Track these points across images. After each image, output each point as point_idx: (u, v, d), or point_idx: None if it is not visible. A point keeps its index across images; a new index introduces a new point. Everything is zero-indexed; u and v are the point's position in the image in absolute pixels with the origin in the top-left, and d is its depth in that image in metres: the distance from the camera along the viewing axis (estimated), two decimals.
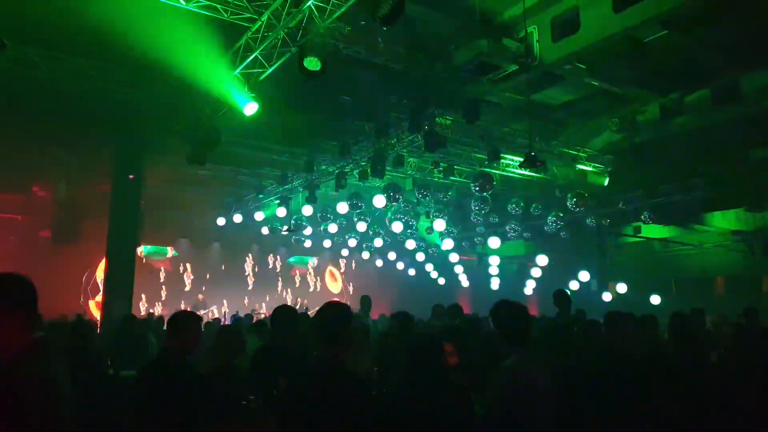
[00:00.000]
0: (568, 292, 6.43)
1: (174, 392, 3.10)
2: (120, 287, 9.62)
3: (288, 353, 4.04)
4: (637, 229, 15.86)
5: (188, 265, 17.21)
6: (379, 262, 19.08)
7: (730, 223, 14.50)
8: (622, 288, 15.12)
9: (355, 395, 2.48)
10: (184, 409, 3.09)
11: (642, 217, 12.03)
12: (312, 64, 6.29)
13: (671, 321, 4.52)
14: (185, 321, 3.39)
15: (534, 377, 2.86)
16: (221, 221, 16.11)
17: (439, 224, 14.14)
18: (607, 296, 15.19)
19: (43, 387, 2.00)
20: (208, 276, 17.45)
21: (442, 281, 19.26)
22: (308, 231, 15.22)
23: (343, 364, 2.56)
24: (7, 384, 1.95)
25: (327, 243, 17.33)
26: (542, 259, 16.24)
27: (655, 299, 14.12)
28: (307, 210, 12.78)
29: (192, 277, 17.32)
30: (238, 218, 15.30)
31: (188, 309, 14.16)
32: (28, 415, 1.96)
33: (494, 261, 18.45)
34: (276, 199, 13.55)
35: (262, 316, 12.55)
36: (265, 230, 15.42)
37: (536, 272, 17.83)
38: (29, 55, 7.44)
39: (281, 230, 15.16)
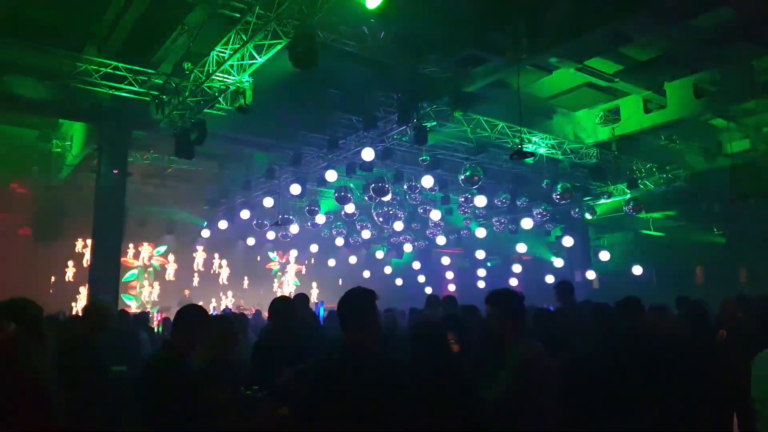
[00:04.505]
0: (572, 283, 6.17)
1: (177, 388, 3.06)
2: (106, 284, 9.47)
3: (285, 344, 4.05)
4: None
5: (172, 260, 17.09)
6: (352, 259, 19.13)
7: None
8: (605, 256, 15.28)
9: (384, 381, 2.46)
10: (188, 405, 3.06)
11: (625, 208, 12.27)
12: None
13: (678, 305, 4.56)
14: (193, 317, 3.32)
15: (546, 363, 2.94)
16: (206, 233, 16.08)
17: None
18: (591, 274, 15.46)
19: (28, 380, 1.92)
20: (194, 271, 17.37)
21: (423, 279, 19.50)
22: (295, 229, 15.13)
23: (368, 349, 2.54)
24: None
25: (314, 247, 17.50)
26: (522, 247, 16.37)
27: (637, 270, 14.36)
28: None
29: (178, 272, 17.20)
30: (223, 224, 15.22)
31: (176, 305, 14.04)
32: (18, 410, 1.88)
33: (480, 254, 18.62)
34: (264, 193, 13.47)
35: (246, 312, 12.51)
36: (245, 213, 14.58)
37: (517, 268, 18.21)
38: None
39: (268, 226, 15.05)
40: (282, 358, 3.69)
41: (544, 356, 3.01)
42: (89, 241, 12.48)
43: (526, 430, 2.80)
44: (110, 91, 8.05)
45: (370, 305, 2.62)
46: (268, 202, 12.97)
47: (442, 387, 2.64)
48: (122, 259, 14.51)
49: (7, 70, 7.91)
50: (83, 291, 14.59)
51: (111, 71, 7.93)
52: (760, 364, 2.73)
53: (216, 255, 17.90)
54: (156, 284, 16.75)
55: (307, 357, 3.74)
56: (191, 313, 3.33)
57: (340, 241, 17.21)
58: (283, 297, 4.49)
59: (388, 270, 19.58)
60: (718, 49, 8.13)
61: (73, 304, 14.51)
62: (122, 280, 15.52)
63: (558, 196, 11.84)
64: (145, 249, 16.76)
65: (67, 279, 14.99)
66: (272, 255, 19.37)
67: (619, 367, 3.55)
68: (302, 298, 5.55)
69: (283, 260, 19.67)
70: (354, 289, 2.71)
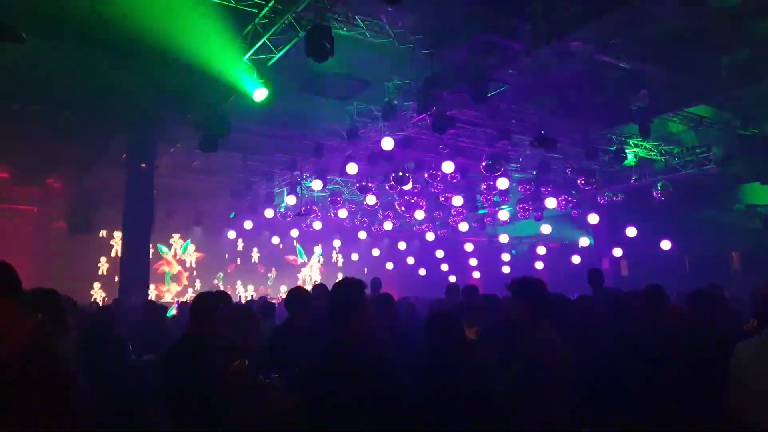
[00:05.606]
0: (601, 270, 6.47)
1: (195, 377, 3.14)
2: (136, 275, 9.77)
3: (301, 333, 4.13)
4: None
5: (193, 250, 17.53)
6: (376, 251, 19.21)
7: (746, 196, 14.25)
8: (632, 232, 14.80)
9: (376, 374, 2.39)
10: (208, 392, 3.14)
11: (654, 191, 11.98)
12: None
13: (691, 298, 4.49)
14: (209, 304, 3.40)
15: (557, 347, 2.93)
16: (232, 235, 16.72)
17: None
18: (618, 251, 15.14)
19: (54, 370, 1.97)
20: (222, 262, 17.76)
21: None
22: (318, 225, 15.37)
23: (358, 343, 2.43)
24: (20, 370, 1.93)
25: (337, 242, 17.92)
26: (546, 228, 16.12)
27: (666, 244, 13.96)
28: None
29: (207, 263, 17.60)
30: (248, 225, 15.50)
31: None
32: (43, 398, 1.94)
33: (504, 239, 18.40)
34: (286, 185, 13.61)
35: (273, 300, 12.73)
36: (270, 212, 14.76)
37: (542, 250, 17.89)
38: (40, 47, 7.48)
39: (291, 217, 15.23)
40: (298, 347, 3.77)
41: (558, 342, 3.00)
42: (116, 234, 12.91)
43: (538, 416, 2.79)
44: None
45: (358, 298, 2.50)
46: (291, 199, 13.10)
47: (455, 374, 2.66)
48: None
49: None
50: (96, 285, 15.23)
51: None
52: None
53: (244, 246, 18.25)
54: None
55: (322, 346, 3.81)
56: (208, 301, 3.41)
57: (363, 235, 17.35)
58: (298, 287, 4.57)
59: (411, 260, 19.68)
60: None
61: (91, 292, 15.05)
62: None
63: (582, 182, 11.63)
64: (176, 242, 17.22)
65: (101, 272, 15.51)
66: (297, 247, 19.61)
67: (637, 358, 3.52)
68: (321, 288, 5.62)
69: (308, 253, 19.94)
70: (341, 281, 2.61)
